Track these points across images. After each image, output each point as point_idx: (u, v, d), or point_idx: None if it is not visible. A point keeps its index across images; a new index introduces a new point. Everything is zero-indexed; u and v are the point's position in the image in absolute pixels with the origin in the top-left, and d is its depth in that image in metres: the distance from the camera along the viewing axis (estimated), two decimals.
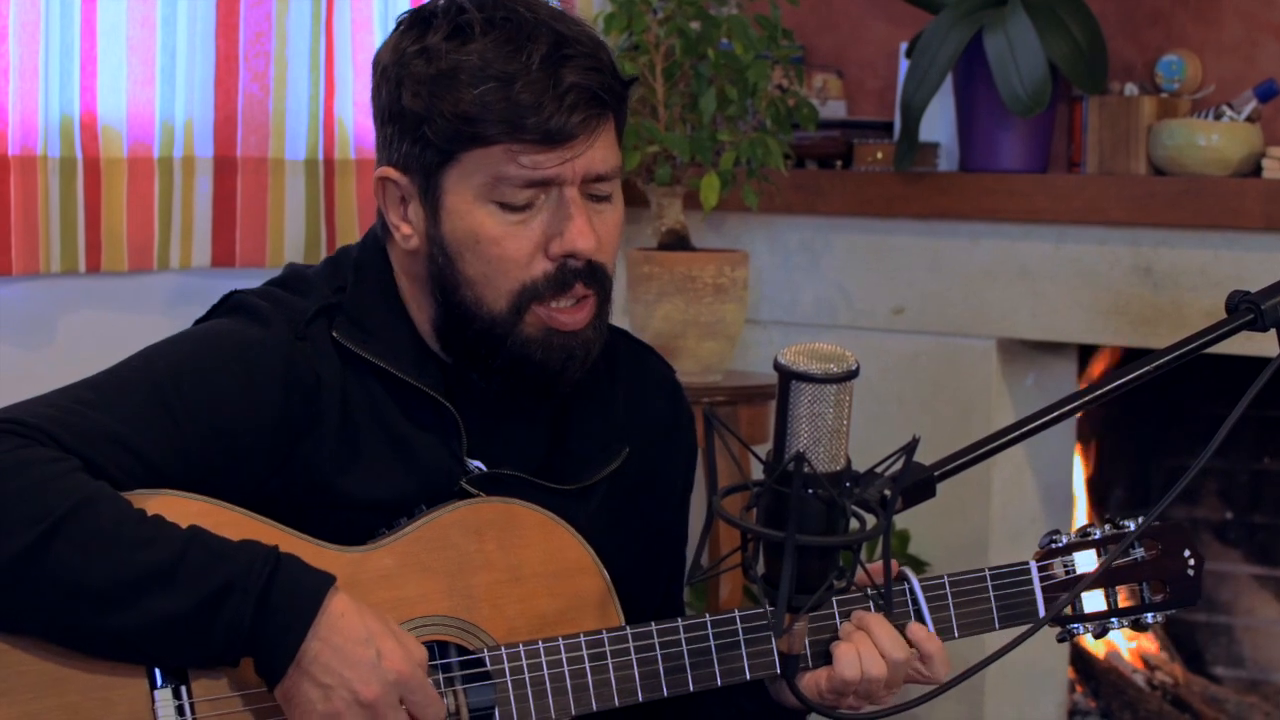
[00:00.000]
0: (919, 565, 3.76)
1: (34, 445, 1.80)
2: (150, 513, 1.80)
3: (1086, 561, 2.06)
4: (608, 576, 1.97)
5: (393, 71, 1.96)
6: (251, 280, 3.29)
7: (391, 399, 1.97)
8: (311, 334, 1.95)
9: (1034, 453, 3.80)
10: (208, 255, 3.23)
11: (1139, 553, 2.07)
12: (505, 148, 1.91)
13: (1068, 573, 2.05)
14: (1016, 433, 1.87)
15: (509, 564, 1.93)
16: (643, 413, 2.08)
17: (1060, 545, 2.06)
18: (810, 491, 1.69)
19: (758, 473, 1.75)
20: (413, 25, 1.97)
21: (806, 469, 1.68)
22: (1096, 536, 2.07)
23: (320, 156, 3.33)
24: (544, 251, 1.94)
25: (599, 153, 1.94)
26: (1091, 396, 1.90)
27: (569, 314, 1.96)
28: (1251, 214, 3.39)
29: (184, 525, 1.80)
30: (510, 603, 1.92)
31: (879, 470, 1.76)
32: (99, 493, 1.79)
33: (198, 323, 2.02)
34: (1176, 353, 1.89)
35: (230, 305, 2.00)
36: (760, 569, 1.74)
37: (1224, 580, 3.94)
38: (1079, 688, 3.99)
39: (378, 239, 2.04)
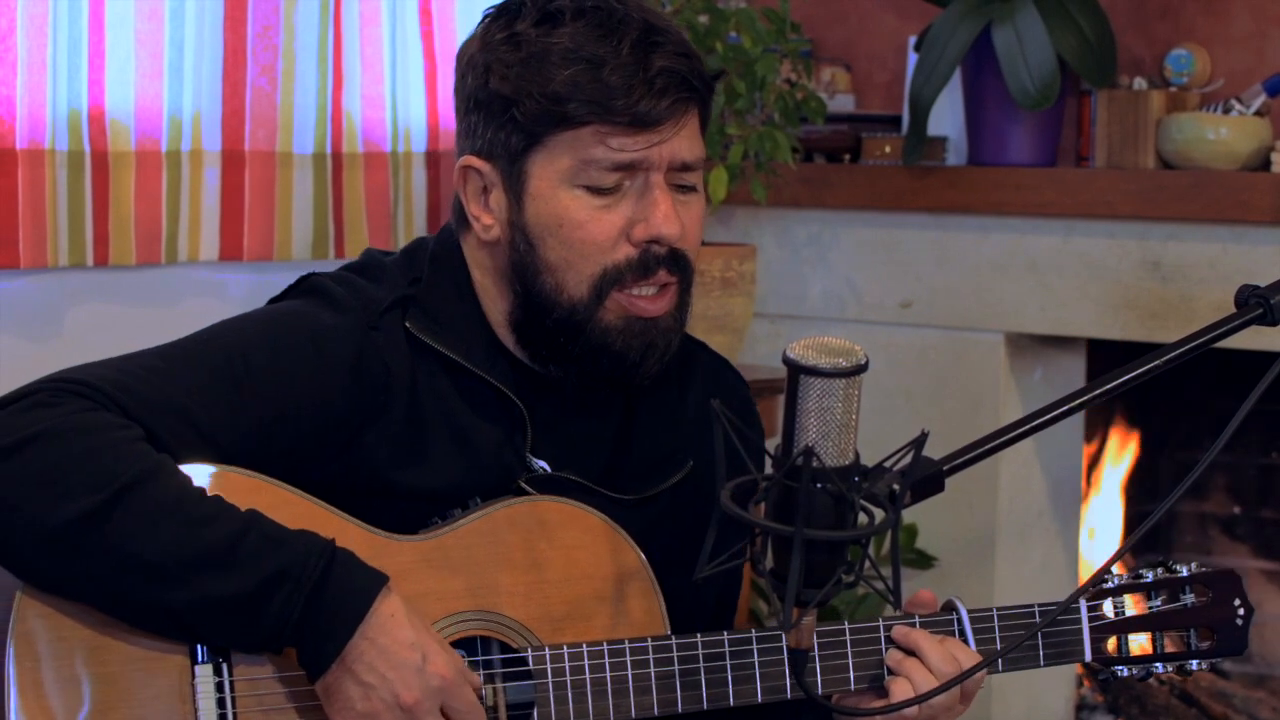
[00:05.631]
0: (926, 560, 3.76)
1: (99, 410, 1.79)
2: (210, 491, 1.80)
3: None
4: (658, 587, 1.96)
5: (480, 59, 1.97)
6: (259, 274, 3.31)
7: (459, 392, 1.96)
8: (385, 324, 1.95)
9: (1042, 447, 3.79)
10: (215, 249, 3.22)
11: (1189, 598, 2.05)
12: (594, 129, 1.92)
13: (1118, 614, 2.03)
14: (1025, 427, 1.87)
15: (559, 565, 1.92)
16: (711, 428, 2.06)
17: (1111, 586, 2.04)
18: (819, 486, 1.68)
19: (765, 466, 1.75)
20: (499, 15, 1.98)
21: (815, 463, 1.67)
22: (1149, 579, 2.05)
23: (328, 150, 3.32)
24: (627, 237, 1.94)
25: (685, 141, 1.96)
26: (1100, 391, 1.89)
27: (650, 301, 1.96)
28: (1260, 208, 3.38)
29: (242, 505, 1.79)
30: (557, 604, 1.92)
31: (887, 465, 1.76)
32: (161, 465, 1.78)
33: (272, 302, 2.02)
34: (1185, 347, 1.89)
35: (306, 288, 2.00)
36: (769, 563, 1.73)
37: None
38: (1087, 682, 3.99)
39: (453, 234, 2.04)
